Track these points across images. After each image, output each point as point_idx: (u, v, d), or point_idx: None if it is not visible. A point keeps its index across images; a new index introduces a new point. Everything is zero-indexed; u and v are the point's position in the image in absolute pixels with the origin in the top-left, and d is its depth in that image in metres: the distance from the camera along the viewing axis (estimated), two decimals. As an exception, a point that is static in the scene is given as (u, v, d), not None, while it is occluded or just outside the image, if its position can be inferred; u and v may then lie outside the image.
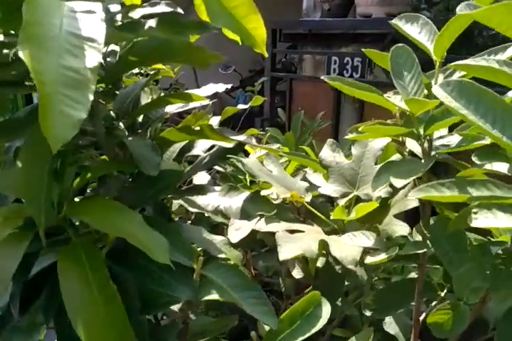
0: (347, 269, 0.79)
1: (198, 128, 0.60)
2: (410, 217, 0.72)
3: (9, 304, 0.49)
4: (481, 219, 0.39)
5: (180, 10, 0.63)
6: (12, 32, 0.55)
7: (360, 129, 0.55)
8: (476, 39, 1.57)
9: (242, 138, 0.62)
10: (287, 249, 0.58)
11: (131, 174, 0.65)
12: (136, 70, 1.16)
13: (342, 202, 0.73)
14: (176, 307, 0.53)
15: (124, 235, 0.44)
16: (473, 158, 0.45)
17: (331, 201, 0.83)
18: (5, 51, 0.49)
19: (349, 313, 0.93)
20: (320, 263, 0.79)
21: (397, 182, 0.49)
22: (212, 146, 0.79)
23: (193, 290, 0.47)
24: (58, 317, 0.48)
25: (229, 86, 0.85)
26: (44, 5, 0.39)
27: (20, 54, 0.35)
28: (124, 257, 0.50)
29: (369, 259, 0.55)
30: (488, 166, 0.46)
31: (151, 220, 0.49)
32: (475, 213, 0.40)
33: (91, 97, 0.37)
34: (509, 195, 0.38)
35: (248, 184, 1.00)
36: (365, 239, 0.59)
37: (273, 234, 0.96)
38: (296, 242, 0.60)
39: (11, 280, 0.43)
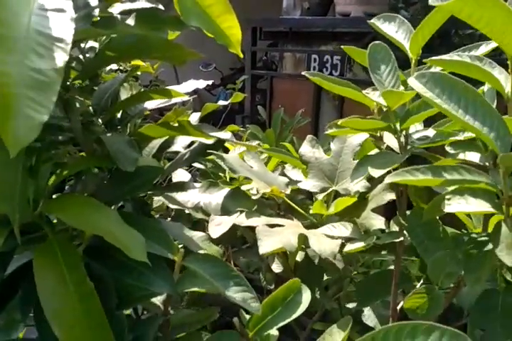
0: (326, 263, 0.80)
1: (177, 124, 0.59)
2: (389, 211, 0.73)
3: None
4: (454, 205, 0.40)
5: (160, 6, 0.63)
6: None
7: (339, 123, 0.56)
8: (453, 38, 1.61)
9: (221, 134, 0.62)
10: (267, 243, 0.58)
11: (109, 171, 0.65)
12: (115, 67, 1.15)
13: (321, 197, 0.74)
14: (157, 301, 0.53)
15: (101, 232, 0.43)
16: (447, 148, 0.46)
17: (311, 198, 0.84)
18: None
19: (329, 307, 0.94)
20: (299, 257, 0.80)
21: (375, 173, 0.50)
22: (192, 143, 0.79)
23: (171, 283, 0.47)
24: (37, 315, 0.48)
25: (210, 82, 0.85)
26: (13, 2, 0.38)
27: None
28: (101, 253, 0.50)
29: (348, 247, 0.56)
30: (461, 156, 0.48)
31: (129, 216, 0.49)
32: (448, 199, 0.41)
33: (54, 99, 0.36)
34: (480, 179, 0.39)
35: (228, 181, 1.00)
36: (343, 229, 0.60)
37: (253, 230, 0.96)
38: (276, 236, 0.60)
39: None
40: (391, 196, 0.67)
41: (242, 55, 0.52)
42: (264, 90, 2.26)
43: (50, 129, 0.53)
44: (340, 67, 1.83)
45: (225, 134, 0.63)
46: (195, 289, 0.49)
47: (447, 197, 0.41)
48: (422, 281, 0.65)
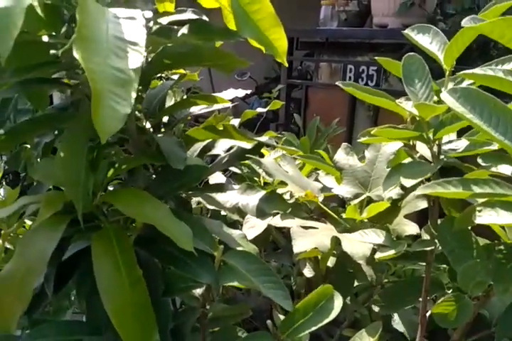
0: (357, 269, 0.82)
1: (221, 128, 0.64)
2: (421, 218, 0.75)
3: (43, 284, 0.53)
4: (485, 217, 0.42)
5: (205, 17, 0.68)
6: (53, 33, 0.60)
7: (372, 132, 0.58)
8: (491, 51, 1.60)
9: (263, 138, 0.66)
10: (301, 243, 0.61)
11: (155, 170, 0.70)
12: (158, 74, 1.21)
13: (354, 202, 0.77)
14: (196, 293, 0.57)
15: (153, 222, 0.48)
16: (479, 161, 0.48)
17: (343, 206, 0.86)
18: (51, 51, 0.53)
19: (359, 315, 0.96)
20: (331, 262, 0.82)
21: (407, 182, 0.52)
22: (231, 148, 0.83)
23: (214, 275, 0.51)
24: (90, 297, 0.52)
25: (248, 91, 0.89)
26: (93, 11, 0.43)
27: (75, 53, 0.39)
28: (149, 244, 0.54)
29: (378, 254, 0.58)
30: (494, 169, 0.50)
31: (175, 212, 0.53)
32: (479, 211, 0.43)
33: (134, 95, 0.41)
34: (509, 193, 0.41)
35: (262, 185, 1.03)
36: (375, 236, 0.62)
37: (285, 235, 1.00)
38: (310, 237, 0.63)
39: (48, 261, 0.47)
40: (424, 203, 0.69)
41: (287, 65, 0.56)
42: (299, 99, 2.30)
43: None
44: (376, 77, 1.85)
45: (266, 139, 0.66)
46: (234, 283, 0.52)
47: (478, 208, 0.43)
48: (451, 289, 0.66)
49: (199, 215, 0.92)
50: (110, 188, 0.60)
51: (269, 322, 0.53)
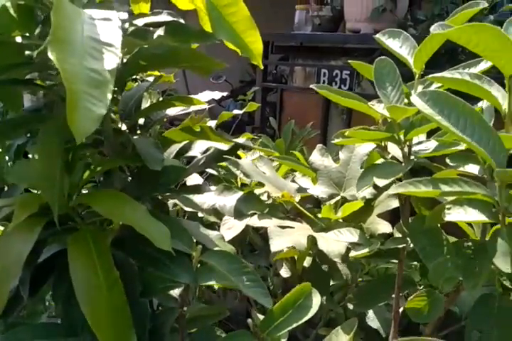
0: (333, 268, 0.84)
1: (198, 129, 0.64)
2: (393, 218, 0.77)
3: (18, 287, 0.53)
4: (454, 214, 0.44)
5: (181, 20, 0.68)
6: (27, 34, 0.59)
7: (346, 133, 0.60)
8: (459, 56, 1.66)
9: (240, 140, 0.67)
10: (278, 242, 0.62)
11: (131, 172, 0.70)
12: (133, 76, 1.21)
13: (330, 202, 0.78)
14: (175, 294, 0.57)
15: (131, 223, 0.48)
16: (448, 161, 0.50)
17: (318, 207, 0.88)
18: (26, 52, 0.53)
19: (334, 315, 0.97)
20: (307, 262, 0.83)
21: (380, 182, 0.54)
22: (207, 149, 0.84)
23: (193, 275, 0.51)
24: (65, 300, 0.52)
25: (225, 94, 0.90)
26: (68, 12, 0.43)
27: (50, 55, 0.39)
28: (127, 245, 0.54)
29: (353, 253, 0.60)
30: (461, 168, 0.52)
31: (152, 213, 0.53)
32: (448, 209, 0.45)
33: (109, 96, 0.42)
34: (477, 191, 0.43)
35: (239, 186, 1.04)
36: (349, 235, 0.64)
37: (262, 236, 1.00)
38: (287, 236, 0.64)
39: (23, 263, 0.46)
40: (396, 203, 0.71)
41: (262, 67, 0.57)
42: (274, 103, 2.32)
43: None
44: (349, 81, 1.88)
45: (243, 140, 0.67)
46: (213, 283, 0.53)
47: (447, 206, 0.45)
48: (422, 286, 0.68)
49: (176, 217, 0.92)
50: (84, 191, 0.59)
51: (249, 320, 0.54)
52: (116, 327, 0.46)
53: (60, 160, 0.50)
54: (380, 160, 0.78)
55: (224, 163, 0.92)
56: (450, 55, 1.60)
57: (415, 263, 0.75)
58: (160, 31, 0.61)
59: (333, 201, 0.79)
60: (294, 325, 0.52)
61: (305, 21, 2.10)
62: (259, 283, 0.51)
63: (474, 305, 0.55)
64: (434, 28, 0.49)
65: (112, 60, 0.44)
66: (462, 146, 0.59)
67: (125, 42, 0.57)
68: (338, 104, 2.07)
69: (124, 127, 0.72)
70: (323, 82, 1.97)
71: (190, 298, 0.60)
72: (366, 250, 0.59)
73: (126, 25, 0.64)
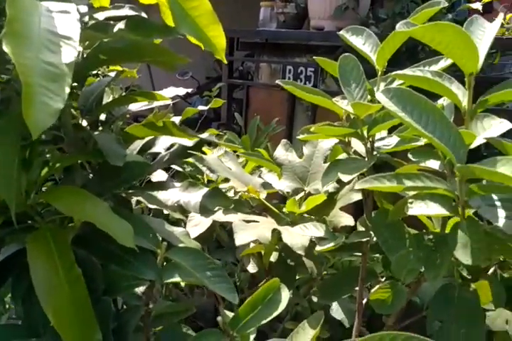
0: (298, 262, 0.85)
1: (161, 124, 0.63)
2: (355, 211, 0.79)
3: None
4: (416, 208, 0.45)
5: (144, 14, 0.67)
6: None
7: (311, 129, 0.61)
8: (419, 54, 1.71)
9: (204, 135, 0.66)
10: (243, 236, 0.63)
11: (92, 169, 0.68)
12: (94, 71, 1.18)
13: (294, 197, 0.79)
14: (139, 292, 0.56)
15: (92, 220, 0.47)
16: (410, 156, 0.51)
17: (284, 202, 0.89)
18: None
19: (300, 308, 0.99)
20: (273, 257, 0.84)
21: (344, 177, 0.55)
22: (172, 145, 0.83)
23: (157, 272, 0.51)
24: (26, 300, 0.50)
25: (189, 90, 0.89)
26: (24, 4, 0.42)
27: (5, 48, 0.38)
28: (89, 243, 0.53)
29: (319, 247, 0.61)
30: (422, 164, 0.53)
31: (115, 210, 0.52)
32: (410, 203, 0.46)
33: (67, 90, 0.40)
34: (438, 186, 0.45)
35: (206, 183, 1.04)
36: (315, 229, 0.65)
37: (229, 232, 1.00)
38: (252, 230, 0.64)
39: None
40: (358, 196, 0.72)
41: (226, 61, 0.56)
42: (240, 99, 2.31)
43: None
44: (314, 78, 1.90)
45: (207, 135, 0.67)
46: (178, 280, 0.52)
47: (409, 200, 0.46)
48: (385, 278, 0.70)
49: (140, 214, 0.90)
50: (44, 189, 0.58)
51: (219, 318, 0.53)
52: (80, 326, 0.45)
53: (17, 157, 0.48)
54: (343, 155, 0.79)
55: (190, 160, 0.92)
56: (410, 53, 1.65)
57: (377, 255, 0.76)
58: (121, 25, 0.60)
59: (298, 195, 0.80)
60: (264, 321, 0.52)
61: (270, 18, 2.11)
62: (224, 279, 0.51)
63: (435, 295, 0.57)
64: (399, 27, 0.50)
65: (69, 53, 0.42)
66: (422, 142, 0.60)
67: (85, 36, 0.56)
68: (303, 101, 2.09)
69: (84, 123, 0.70)
70: (289, 78, 1.98)
71: (157, 296, 0.59)
72: (332, 244, 0.60)
73: (86, 18, 0.63)
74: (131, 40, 0.55)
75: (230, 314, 0.59)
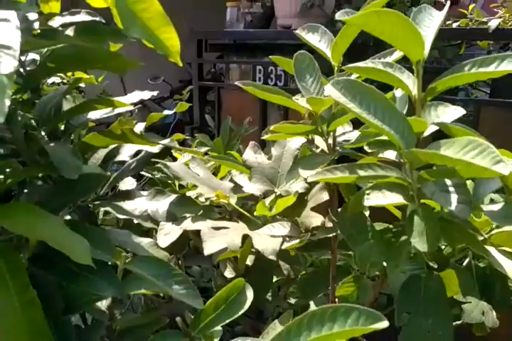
0: (274, 264, 0.84)
1: (119, 132, 0.61)
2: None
3: None
4: (373, 199, 0.45)
5: (101, 19, 0.65)
6: None
7: (271, 128, 0.60)
8: (371, 48, 1.72)
9: (165, 141, 0.65)
10: (212, 244, 0.61)
11: (53, 181, 0.66)
12: (58, 80, 1.15)
13: (266, 200, 0.78)
14: (102, 306, 0.55)
15: (45, 238, 0.45)
16: (365, 147, 0.51)
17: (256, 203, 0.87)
18: None
19: (282, 309, 0.97)
20: (250, 261, 0.83)
21: (305, 173, 0.54)
22: (139, 152, 0.81)
23: (117, 286, 0.49)
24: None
25: (155, 93, 0.87)
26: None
27: None
28: (46, 261, 0.51)
29: (285, 245, 0.60)
30: (381, 155, 0.53)
31: (73, 224, 0.50)
32: (367, 194, 0.45)
33: (7, 102, 0.38)
34: (389, 174, 0.44)
35: (177, 188, 1.02)
36: (282, 228, 0.64)
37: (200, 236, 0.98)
38: (221, 237, 0.63)
39: None
40: (327, 195, 0.72)
41: (181, 64, 0.55)
42: (214, 101, 2.30)
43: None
44: (284, 77, 1.90)
45: (169, 141, 0.65)
46: (141, 291, 0.51)
47: (367, 192, 0.46)
48: (353, 273, 0.70)
49: (111, 225, 0.88)
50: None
51: (178, 319, 0.51)
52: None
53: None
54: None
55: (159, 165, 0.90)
56: (364, 48, 1.65)
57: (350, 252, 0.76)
58: (69, 31, 0.58)
59: (269, 198, 0.79)
60: (227, 321, 0.50)
61: (237, 18, 2.10)
62: (188, 285, 0.50)
63: (402, 286, 0.56)
64: (338, 15, 0.49)
65: (8, 63, 0.40)
66: (384, 136, 0.60)
67: (31, 44, 0.53)
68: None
69: (43, 133, 0.68)
70: (259, 78, 1.97)
71: (122, 309, 0.57)
72: (297, 241, 0.59)
73: (37, 25, 0.60)
74: (79, 46, 0.53)
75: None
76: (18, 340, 0.42)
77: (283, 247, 0.61)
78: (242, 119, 1.61)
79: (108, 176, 0.65)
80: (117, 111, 0.73)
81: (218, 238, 0.63)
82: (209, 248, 0.61)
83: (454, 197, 0.41)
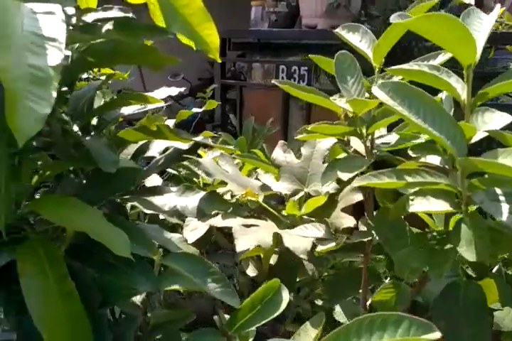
0: (298, 264, 0.83)
1: (155, 128, 0.61)
2: (356, 212, 0.77)
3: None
4: (417, 205, 0.44)
5: (132, 15, 0.65)
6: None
7: (308, 128, 0.59)
8: (414, 50, 1.70)
9: (199, 138, 0.65)
10: (243, 241, 0.61)
11: (86, 176, 0.66)
12: (85, 75, 1.16)
13: (294, 198, 0.78)
14: (137, 301, 0.55)
15: (86, 230, 0.45)
16: (409, 152, 0.50)
17: (282, 203, 0.87)
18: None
19: (301, 309, 0.97)
20: (273, 260, 0.82)
21: (344, 176, 0.53)
22: (167, 149, 0.81)
23: (154, 281, 0.49)
24: (19, 314, 0.48)
25: (182, 89, 0.87)
26: (5, 5, 0.40)
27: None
28: (82, 253, 0.51)
29: (320, 247, 0.59)
30: (423, 159, 0.52)
31: (109, 217, 0.50)
32: (412, 200, 0.45)
33: (54, 94, 0.38)
34: (439, 181, 0.43)
35: (202, 186, 1.02)
36: (315, 230, 0.63)
37: (226, 235, 0.99)
38: (252, 235, 0.63)
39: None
40: (359, 196, 0.71)
41: (219, 61, 0.55)
42: (234, 100, 2.30)
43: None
44: (308, 77, 1.89)
45: (202, 138, 0.65)
46: (176, 287, 0.51)
47: (411, 197, 0.45)
48: (388, 278, 0.69)
49: (135, 220, 0.88)
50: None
51: (216, 317, 0.51)
52: (75, 339, 0.43)
53: (5, 166, 0.46)
54: (342, 155, 0.78)
55: (185, 163, 0.90)
56: (404, 50, 1.64)
57: (380, 256, 0.75)
58: (108, 26, 0.58)
59: (296, 197, 0.78)
60: (263, 322, 0.50)
61: (261, 17, 2.10)
62: (225, 283, 0.49)
63: (440, 294, 0.55)
64: (393, 18, 0.48)
65: (55, 55, 0.40)
66: (422, 139, 0.59)
67: (72, 38, 0.54)
68: (297, 100, 2.08)
69: (76, 128, 0.68)
70: (282, 78, 1.97)
71: (156, 304, 0.57)
72: (333, 244, 0.59)
73: (74, 20, 0.61)
74: (118, 41, 0.53)
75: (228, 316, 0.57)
76: (59, 330, 0.42)
77: (318, 250, 0.60)
78: (264, 118, 1.61)
79: (143, 170, 0.65)
80: (149, 107, 0.73)
81: (250, 236, 0.63)
82: (241, 245, 0.61)
83: (505, 207, 0.40)
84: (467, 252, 0.41)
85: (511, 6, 2.33)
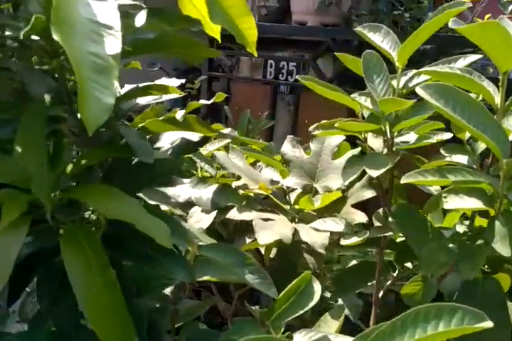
0: (298, 258, 0.85)
1: (183, 119, 0.61)
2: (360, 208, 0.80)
3: None
4: (451, 202, 0.46)
5: (141, 3, 0.65)
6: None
7: (336, 125, 0.61)
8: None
9: (226, 131, 0.65)
10: (265, 235, 0.62)
11: (109, 166, 0.65)
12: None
13: (294, 195, 0.80)
14: (166, 292, 0.55)
15: (129, 219, 0.45)
16: (442, 151, 0.52)
17: (284, 198, 0.88)
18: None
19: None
20: (272, 253, 0.84)
21: (373, 173, 0.55)
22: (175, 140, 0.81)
23: (189, 271, 0.49)
24: (53, 304, 0.48)
25: (183, 80, 0.87)
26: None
27: (55, 36, 0.35)
28: (117, 242, 0.51)
29: (344, 241, 0.61)
30: (447, 159, 0.55)
31: (148, 208, 0.50)
32: (445, 197, 0.47)
33: (116, 83, 0.38)
34: (480, 180, 0.46)
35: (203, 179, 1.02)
36: (335, 224, 0.65)
37: (227, 226, 0.99)
38: (271, 229, 0.64)
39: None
40: (370, 193, 0.73)
41: (256, 54, 0.55)
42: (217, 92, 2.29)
43: (61, 120, 0.53)
44: (296, 73, 1.91)
45: (229, 130, 0.66)
46: (210, 278, 0.51)
47: (444, 195, 0.47)
48: (397, 271, 0.72)
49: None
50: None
51: (256, 307, 0.52)
52: (119, 328, 0.43)
53: (45, 153, 0.45)
54: (352, 152, 0.80)
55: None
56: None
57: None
58: (142, 14, 0.58)
59: (302, 192, 0.80)
60: (300, 312, 0.51)
61: (251, 11, 2.09)
62: (262, 274, 0.51)
63: (459, 290, 0.57)
64: (451, 24, 0.50)
65: (114, 43, 0.40)
66: (434, 139, 0.62)
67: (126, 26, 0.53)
68: (284, 95, 2.09)
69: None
70: (270, 73, 1.98)
71: (185, 295, 0.58)
72: (356, 239, 0.61)
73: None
74: (161, 30, 0.53)
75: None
76: (103, 318, 0.42)
77: (343, 243, 0.62)
78: (251, 112, 1.62)
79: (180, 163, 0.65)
80: (165, 97, 0.73)
81: (270, 230, 0.64)
82: (263, 238, 0.62)
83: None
84: (502, 247, 0.43)
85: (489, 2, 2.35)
